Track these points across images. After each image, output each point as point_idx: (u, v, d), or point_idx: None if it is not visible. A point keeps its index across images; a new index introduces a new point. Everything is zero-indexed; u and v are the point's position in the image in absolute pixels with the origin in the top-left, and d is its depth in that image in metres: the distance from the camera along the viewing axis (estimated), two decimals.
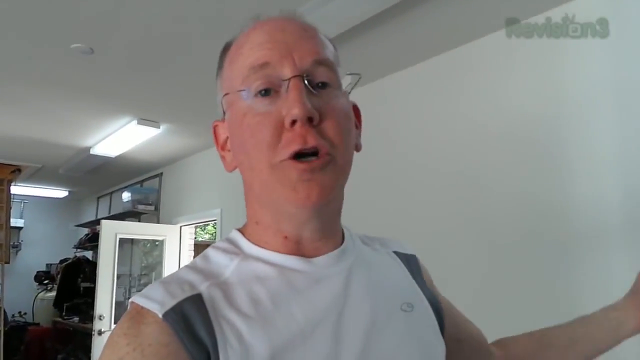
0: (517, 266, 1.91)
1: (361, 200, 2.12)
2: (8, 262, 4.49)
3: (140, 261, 4.77)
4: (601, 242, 1.70)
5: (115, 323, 3.91)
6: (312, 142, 0.48)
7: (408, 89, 2.48)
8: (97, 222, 4.87)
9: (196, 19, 2.00)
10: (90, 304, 4.32)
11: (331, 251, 0.55)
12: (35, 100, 2.95)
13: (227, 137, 0.58)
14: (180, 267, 0.56)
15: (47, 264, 6.37)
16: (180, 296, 0.47)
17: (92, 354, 3.89)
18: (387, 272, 0.61)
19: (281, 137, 0.49)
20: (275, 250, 0.54)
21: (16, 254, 6.28)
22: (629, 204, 1.65)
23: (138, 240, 4.64)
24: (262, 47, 0.51)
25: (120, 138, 3.59)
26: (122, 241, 4.23)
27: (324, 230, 0.54)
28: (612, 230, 1.68)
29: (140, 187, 5.06)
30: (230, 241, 0.57)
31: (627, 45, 1.72)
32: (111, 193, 5.83)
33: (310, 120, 0.48)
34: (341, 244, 0.57)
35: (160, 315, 0.46)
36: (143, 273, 4.73)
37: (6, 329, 4.71)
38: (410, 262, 0.65)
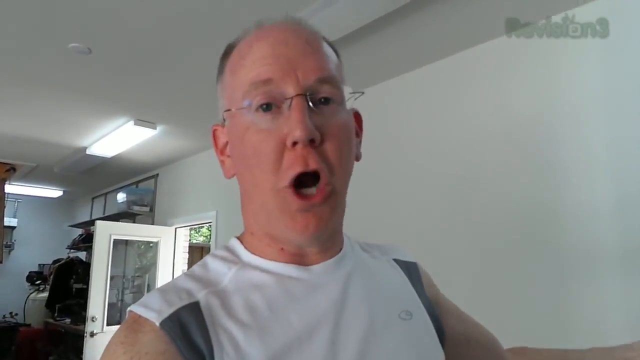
0: (509, 266, 1.93)
1: (361, 200, 2.13)
2: (1, 262, 4.47)
3: (134, 263, 4.74)
4: (594, 244, 1.72)
5: (107, 325, 3.89)
6: (313, 165, 0.49)
7: (409, 92, 2.50)
8: (91, 222, 4.85)
9: (194, 20, 1.99)
10: (83, 306, 4.29)
11: (329, 258, 0.55)
12: (31, 100, 2.94)
13: (227, 142, 0.58)
14: (179, 274, 0.55)
15: (39, 264, 6.32)
16: (178, 304, 0.48)
17: (83, 356, 3.85)
18: (386, 280, 0.61)
19: (283, 155, 0.49)
20: (272, 259, 0.54)
21: (9, 254, 6.23)
22: (623, 206, 1.67)
23: (132, 242, 4.61)
24: (264, 61, 0.51)
25: (117, 138, 3.58)
26: (117, 242, 4.21)
27: (323, 246, 0.55)
28: (605, 232, 1.70)
29: (135, 188, 5.04)
30: (229, 249, 0.57)
31: (626, 50, 1.73)
32: (106, 194, 5.81)
33: (312, 141, 0.49)
34: (340, 250, 0.57)
35: (157, 324, 0.46)
36: (137, 275, 4.70)
37: None
38: (411, 270, 0.65)
